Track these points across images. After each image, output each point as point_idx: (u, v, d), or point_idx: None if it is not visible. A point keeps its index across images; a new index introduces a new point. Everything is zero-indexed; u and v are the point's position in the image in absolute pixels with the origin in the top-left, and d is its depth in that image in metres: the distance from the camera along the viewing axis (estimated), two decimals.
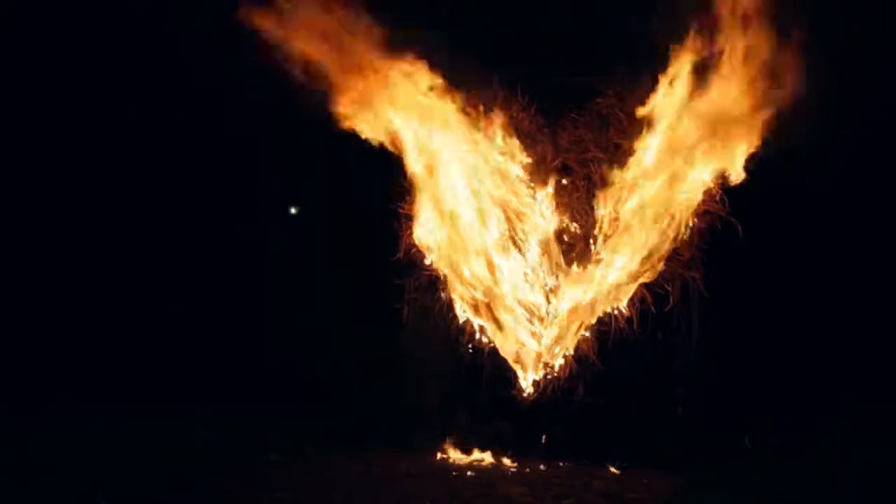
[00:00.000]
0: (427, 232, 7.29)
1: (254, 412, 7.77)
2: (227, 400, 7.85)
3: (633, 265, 7.10)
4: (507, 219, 7.34)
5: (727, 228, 7.11)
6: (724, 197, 7.08)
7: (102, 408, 7.91)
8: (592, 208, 7.28)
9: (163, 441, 7.25)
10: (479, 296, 7.23)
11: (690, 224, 7.12)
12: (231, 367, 8.26)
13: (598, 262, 7.20)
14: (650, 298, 7.15)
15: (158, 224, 8.69)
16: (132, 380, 8.29)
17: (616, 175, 7.15)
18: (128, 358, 8.50)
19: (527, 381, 7.26)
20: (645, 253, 7.08)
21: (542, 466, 7.00)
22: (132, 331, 8.58)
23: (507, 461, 7.13)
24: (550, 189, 7.39)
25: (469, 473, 6.83)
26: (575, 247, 7.31)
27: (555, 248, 7.30)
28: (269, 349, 8.22)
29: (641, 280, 7.10)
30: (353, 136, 7.12)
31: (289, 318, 8.17)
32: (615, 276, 7.14)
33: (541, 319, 7.27)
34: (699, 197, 7.10)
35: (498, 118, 7.31)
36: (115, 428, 7.54)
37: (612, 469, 6.79)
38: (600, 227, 7.24)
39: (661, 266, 7.08)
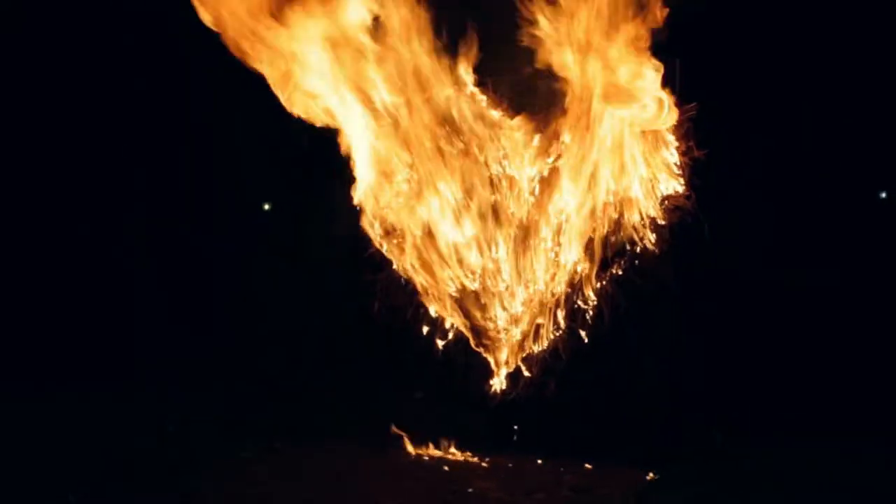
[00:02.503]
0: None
1: (221, 407, 7.74)
2: (195, 392, 7.85)
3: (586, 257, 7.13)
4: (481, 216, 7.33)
5: (697, 222, 7.17)
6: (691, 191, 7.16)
7: (65, 396, 7.91)
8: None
9: (129, 434, 7.24)
10: (450, 290, 7.24)
11: (650, 215, 7.16)
12: (197, 360, 8.26)
13: (555, 253, 7.22)
14: (619, 293, 7.18)
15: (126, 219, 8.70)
16: (93, 369, 8.29)
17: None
18: (90, 345, 8.50)
19: (498, 375, 7.26)
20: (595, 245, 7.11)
21: (512, 461, 7.00)
22: (96, 318, 8.59)
23: (477, 456, 7.13)
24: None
25: (442, 468, 6.84)
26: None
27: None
28: (235, 343, 8.21)
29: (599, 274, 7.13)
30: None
31: (255, 313, 8.18)
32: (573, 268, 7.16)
33: (513, 318, 7.28)
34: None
35: None
36: (78, 420, 7.51)
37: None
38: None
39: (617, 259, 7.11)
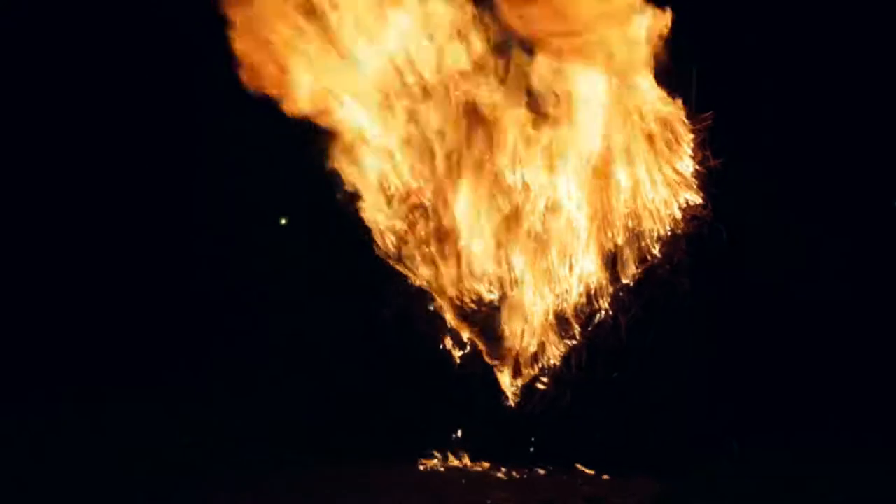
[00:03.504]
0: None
1: (228, 416, 7.73)
2: (201, 401, 7.86)
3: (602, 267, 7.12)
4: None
5: (714, 232, 7.15)
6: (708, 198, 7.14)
7: (76, 399, 7.91)
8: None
9: (139, 441, 7.27)
10: (465, 301, 7.25)
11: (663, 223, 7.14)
12: (204, 366, 8.22)
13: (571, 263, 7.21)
14: (635, 304, 7.16)
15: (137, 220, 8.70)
16: (99, 374, 8.25)
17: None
18: (95, 350, 8.50)
19: (513, 386, 7.26)
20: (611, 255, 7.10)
21: (527, 472, 7.01)
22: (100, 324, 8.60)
23: (492, 467, 7.13)
24: None
25: (458, 480, 6.85)
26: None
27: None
28: (240, 353, 8.19)
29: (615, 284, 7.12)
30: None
31: (263, 320, 8.16)
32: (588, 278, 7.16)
33: (528, 329, 7.27)
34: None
35: None
36: (86, 424, 7.56)
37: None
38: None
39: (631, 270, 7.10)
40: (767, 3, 7.69)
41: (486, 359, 7.22)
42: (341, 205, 7.20)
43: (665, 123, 7.12)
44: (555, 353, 7.18)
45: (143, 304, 8.67)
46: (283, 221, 8.54)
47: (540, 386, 7.16)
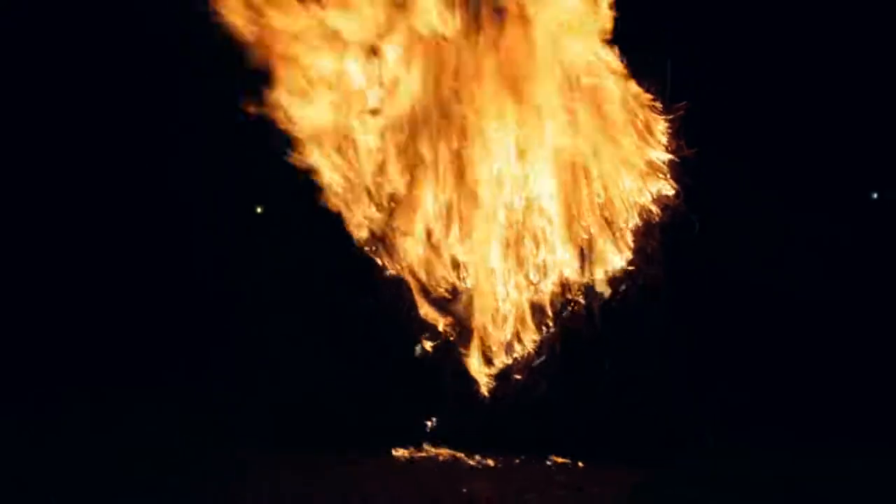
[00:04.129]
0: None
1: (211, 410, 7.68)
2: (184, 397, 7.83)
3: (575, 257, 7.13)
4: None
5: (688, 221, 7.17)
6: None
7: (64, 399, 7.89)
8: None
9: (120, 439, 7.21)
10: (440, 290, 7.22)
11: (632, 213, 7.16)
12: (181, 364, 8.24)
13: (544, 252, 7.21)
14: (610, 293, 7.17)
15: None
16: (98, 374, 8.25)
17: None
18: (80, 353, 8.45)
19: (488, 375, 7.23)
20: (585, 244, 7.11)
21: (504, 461, 6.97)
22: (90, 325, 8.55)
23: (468, 456, 7.10)
24: None
25: (433, 469, 6.81)
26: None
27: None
28: (220, 345, 8.15)
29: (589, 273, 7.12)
30: None
31: (241, 315, 8.11)
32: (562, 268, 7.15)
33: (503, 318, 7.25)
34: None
35: None
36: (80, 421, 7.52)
37: None
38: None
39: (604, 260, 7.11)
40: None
41: (459, 348, 7.21)
42: (313, 195, 7.19)
43: (638, 113, 7.17)
44: (528, 342, 7.18)
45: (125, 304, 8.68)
46: (259, 210, 8.51)
47: (514, 375, 7.16)
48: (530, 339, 7.16)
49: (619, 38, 6.99)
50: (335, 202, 7.17)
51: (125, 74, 8.62)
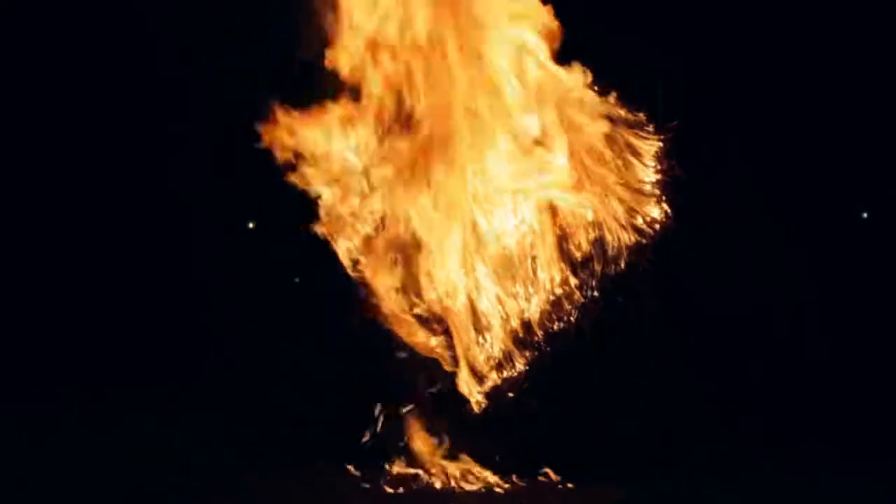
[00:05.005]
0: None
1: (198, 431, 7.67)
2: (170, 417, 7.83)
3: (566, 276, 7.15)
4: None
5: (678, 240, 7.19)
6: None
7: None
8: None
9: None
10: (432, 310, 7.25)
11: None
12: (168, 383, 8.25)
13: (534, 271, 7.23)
14: (600, 312, 7.19)
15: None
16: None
17: None
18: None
19: (478, 395, 7.26)
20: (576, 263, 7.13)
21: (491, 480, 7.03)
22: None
23: (455, 476, 7.15)
24: None
25: (423, 488, 6.88)
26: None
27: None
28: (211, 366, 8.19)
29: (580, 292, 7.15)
30: None
31: (230, 334, 8.16)
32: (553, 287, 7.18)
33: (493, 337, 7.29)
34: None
35: None
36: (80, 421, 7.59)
37: None
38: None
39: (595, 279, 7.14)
40: (732, 15, 7.76)
41: (449, 367, 7.20)
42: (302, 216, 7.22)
43: (630, 134, 7.18)
44: (519, 361, 7.21)
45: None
46: (251, 225, 8.54)
47: (505, 393, 7.19)
48: (519, 357, 7.20)
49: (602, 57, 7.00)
50: (325, 224, 7.21)
51: (130, 81, 8.62)
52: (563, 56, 7.03)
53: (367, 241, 7.16)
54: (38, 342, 8.69)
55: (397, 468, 7.10)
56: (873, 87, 8.19)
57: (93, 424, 7.65)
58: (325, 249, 7.12)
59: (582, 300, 7.12)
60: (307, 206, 7.41)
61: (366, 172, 7.16)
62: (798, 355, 7.83)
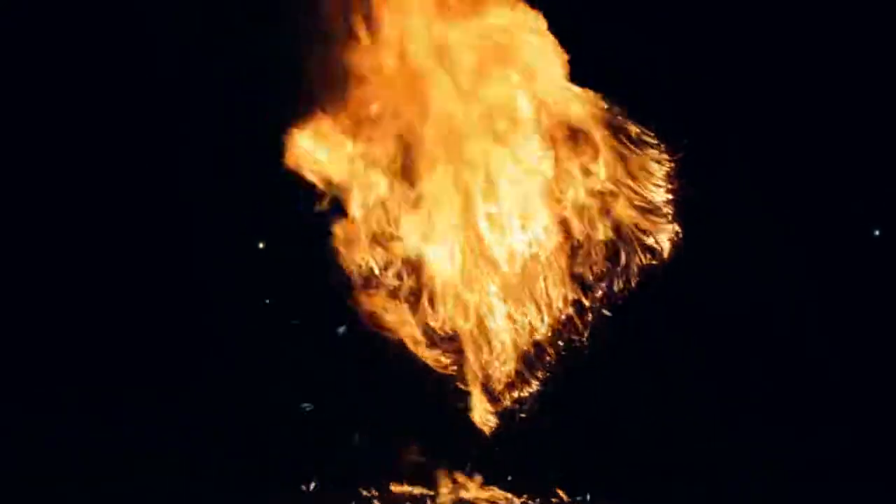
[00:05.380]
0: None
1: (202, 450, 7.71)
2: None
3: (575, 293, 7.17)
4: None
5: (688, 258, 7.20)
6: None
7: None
8: None
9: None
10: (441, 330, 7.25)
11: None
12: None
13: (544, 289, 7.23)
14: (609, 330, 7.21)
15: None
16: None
17: None
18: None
19: (489, 414, 7.30)
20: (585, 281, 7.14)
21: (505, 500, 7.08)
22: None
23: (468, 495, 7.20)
24: None
25: None
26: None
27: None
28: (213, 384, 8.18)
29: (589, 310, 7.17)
30: None
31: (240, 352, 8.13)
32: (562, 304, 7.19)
33: (503, 355, 7.30)
34: None
35: None
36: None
37: None
38: None
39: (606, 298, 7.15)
40: (738, 32, 7.72)
41: (461, 386, 7.26)
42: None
43: (639, 152, 7.17)
44: (530, 380, 7.24)
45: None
46: (261, 245, 8.48)
47: (515, 412, 7.22)
48: (531, 376, 7.22)
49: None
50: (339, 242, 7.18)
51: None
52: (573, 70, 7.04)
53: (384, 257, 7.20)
54: (38, 342, 8.65)
55: (405, 488, 7.17)
56: (874, 86, 8.17)
57: (93, 424, 7.65)
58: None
59: (593, 320, 7.19)
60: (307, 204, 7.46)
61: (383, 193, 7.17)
62: (798, 355, 7.88)
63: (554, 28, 6.98)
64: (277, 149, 7.04)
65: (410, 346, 7.14)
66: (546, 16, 7.01)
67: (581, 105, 7.05)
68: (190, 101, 8.21)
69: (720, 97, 7.78)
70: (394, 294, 7.17)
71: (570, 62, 7.00)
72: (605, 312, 7.16)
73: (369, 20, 6.93)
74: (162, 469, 7.25)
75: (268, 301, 7.88)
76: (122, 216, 8.49)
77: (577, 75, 7.07)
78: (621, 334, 7.16)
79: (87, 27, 8.34)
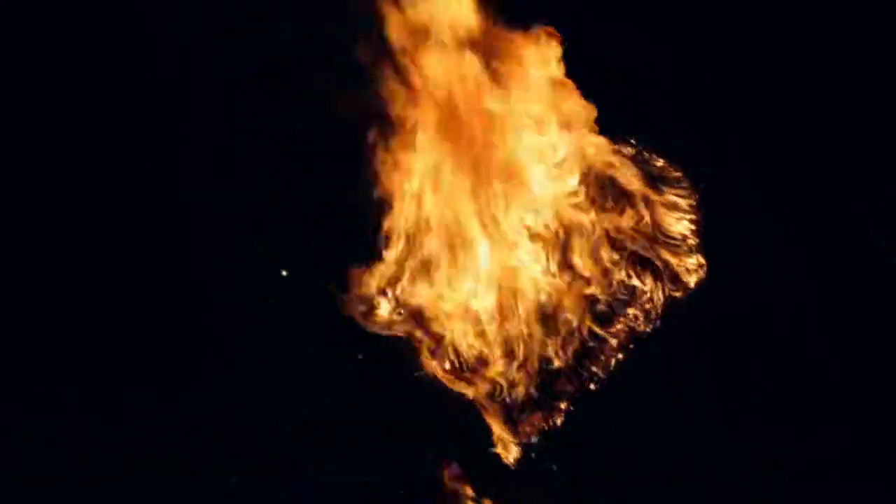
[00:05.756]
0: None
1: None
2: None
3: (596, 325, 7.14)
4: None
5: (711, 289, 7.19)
6: None
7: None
8: None
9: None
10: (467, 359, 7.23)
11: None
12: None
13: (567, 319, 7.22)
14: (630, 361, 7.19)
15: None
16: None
17: None
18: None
19: (513, 444, 7.29)
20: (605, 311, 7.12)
21: None
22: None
23: None
24: None
25: None
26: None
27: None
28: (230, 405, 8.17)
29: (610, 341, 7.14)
30: None
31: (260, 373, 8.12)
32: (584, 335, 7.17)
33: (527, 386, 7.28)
34: None
35: None
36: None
37: None
38: None
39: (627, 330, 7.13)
40: (738, 33, 7.71)
41: (484, 416, 7.24)
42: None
43: (664, 188, 7.16)
44: (553, 411, 7.21)
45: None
46: (284, 273, 8.39)
47: (539, 443, 7.19)
48: (553, 405, 7.20)
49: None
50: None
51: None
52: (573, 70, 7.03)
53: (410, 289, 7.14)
54: (38, 342, 8.64)
55: None
56: (874, 86, 8.17)
57: (93, 424, 7.65)
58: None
59: (615, 351, 7.16)
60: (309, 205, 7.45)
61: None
62: (798, 355, 7.86)
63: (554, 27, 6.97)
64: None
65: (439, 374, 7.15)
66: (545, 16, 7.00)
67: (608, 151, 7.03)
68: (190, 101, 8.22)
69: (720, 97, 7.74)
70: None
71: (570, 62, 6.99)
72: (628, 345, 7.13)
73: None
74: (162, 469, 7.21)
75: (268, 301, 7.85)
76: (121, 216, 8.48)
77: (577, 75, 7.05)
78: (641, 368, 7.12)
79: (88, 27, 8.36)
